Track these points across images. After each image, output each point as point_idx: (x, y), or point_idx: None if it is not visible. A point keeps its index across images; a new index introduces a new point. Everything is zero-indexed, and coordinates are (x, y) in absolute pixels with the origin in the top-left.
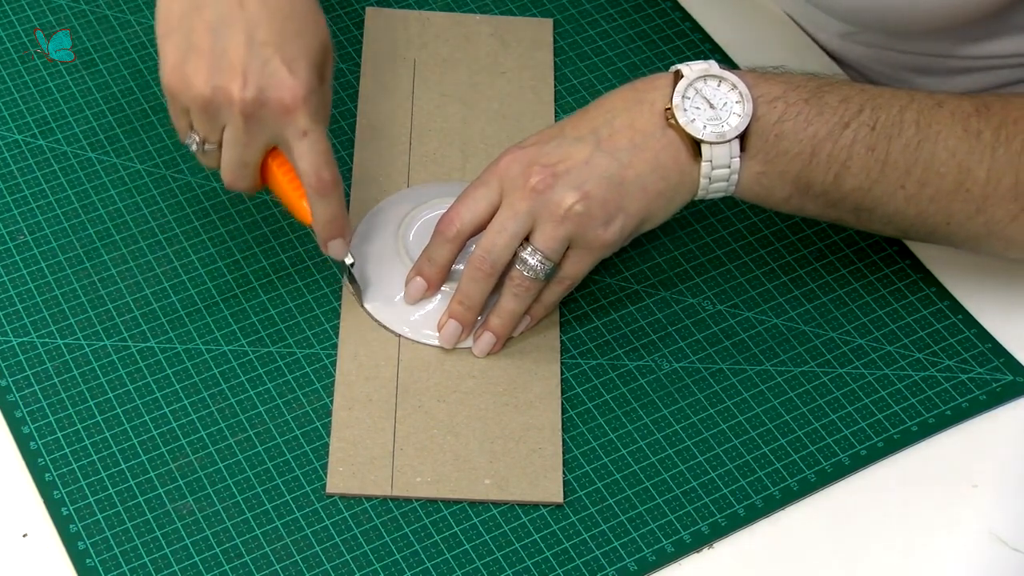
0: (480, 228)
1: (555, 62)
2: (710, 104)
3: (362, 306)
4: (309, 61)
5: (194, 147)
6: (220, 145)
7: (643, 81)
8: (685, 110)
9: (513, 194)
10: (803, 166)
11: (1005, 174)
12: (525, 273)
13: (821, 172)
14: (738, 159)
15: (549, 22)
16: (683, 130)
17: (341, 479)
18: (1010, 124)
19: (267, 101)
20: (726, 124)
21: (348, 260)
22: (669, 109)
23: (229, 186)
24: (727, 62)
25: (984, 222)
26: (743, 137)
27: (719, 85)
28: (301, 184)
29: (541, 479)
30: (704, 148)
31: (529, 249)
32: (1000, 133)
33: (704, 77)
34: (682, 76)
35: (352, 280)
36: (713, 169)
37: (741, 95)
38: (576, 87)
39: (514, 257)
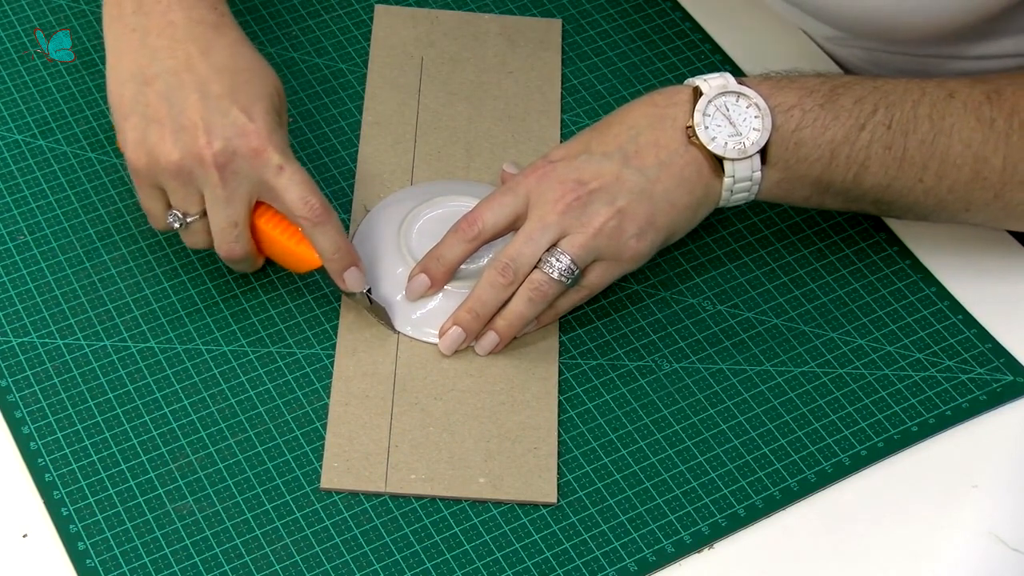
0: (499, 235)
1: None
2: (730, 120)
3: (393, 330)
4: (265, 105)
5: (177, 224)
6: (202, 215)
7: (662, 95)
8: (706, 127)
9: (543, 207)
10: (823, 169)
11: (1021, 160)
12: (552, 275)
13: (840, 173)
14: (759, 172)
15: (558, 22)
16: (705, 148)
17: (336, 475)
18: (1022, 110)
19: (236, 149)
20: (747, 140)
21: (365, 287)
22: (690, 127)
23: (227, 255)
24: (728, 62)
25: (1003, 206)
26: (763, 149)
27: (737, 100)
28: (295, 230)
29: (535, 479)
30: (726, 164)
31: (558, 253)
32: (1013, 120)
33: (722, 94)
34: (701, 93)
35: (374, 305)
36: (736, 183)
37: (759, 109)
38: (576, 87)
39: (537, 262)
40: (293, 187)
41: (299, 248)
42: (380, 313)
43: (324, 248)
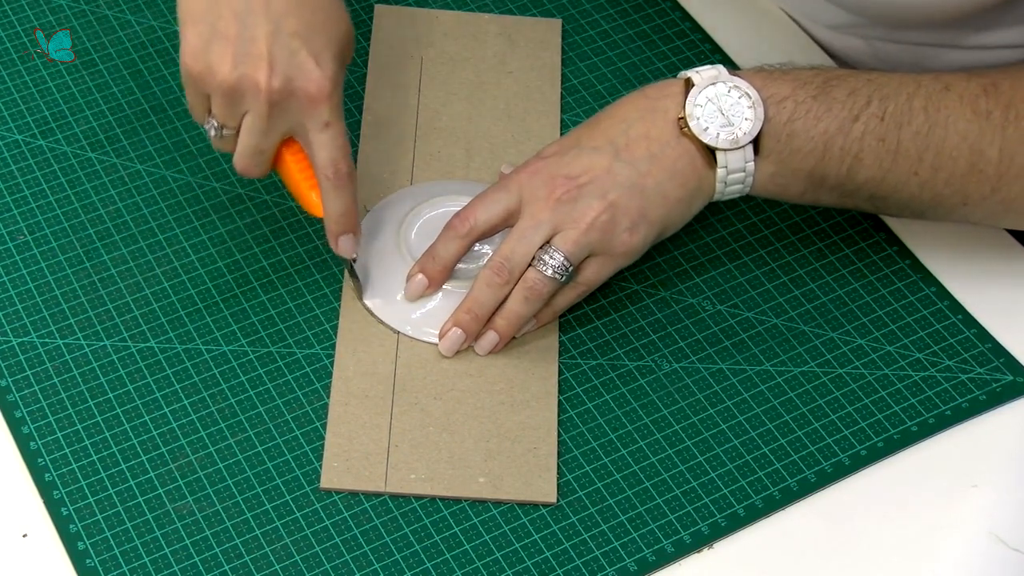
0: (492, 231)
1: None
2: (721, 111)
3: (361, 301)
4: (334, 53)
5: (212, 132)
6: (238, 131)
7: (654, 88)
8: (698, 119)
9: (535, 204)
10: (816, 162)
11: (1017, 152)
12: (546, 273)
13: (834, 166)
14: (752, 163)
15: (558, 22)
16: (697, 139)
17: (336, 474)
18: (1019, 102)
19: (294, 91)
20: (739, 130)
21: (353, 256)
22: (682, 118)
23: (241, 172)
24: (728, 62)
25: (1001, 200)
26: (756, 140)
27: (729, 91)
28: (313, 175)
29: (535, 478)
30: (719, 155)
31: (551, 251)
32: (1009, 112)
33: (714, 84)
34: (693, 84)
35: (353, 274)
36: (729, 174)
37: (752, 99)
38: (576, 87)
39: (531, 260)
40: (329, 147)
41: (310, 194)
42: (355, 284)
43: (331, 209)
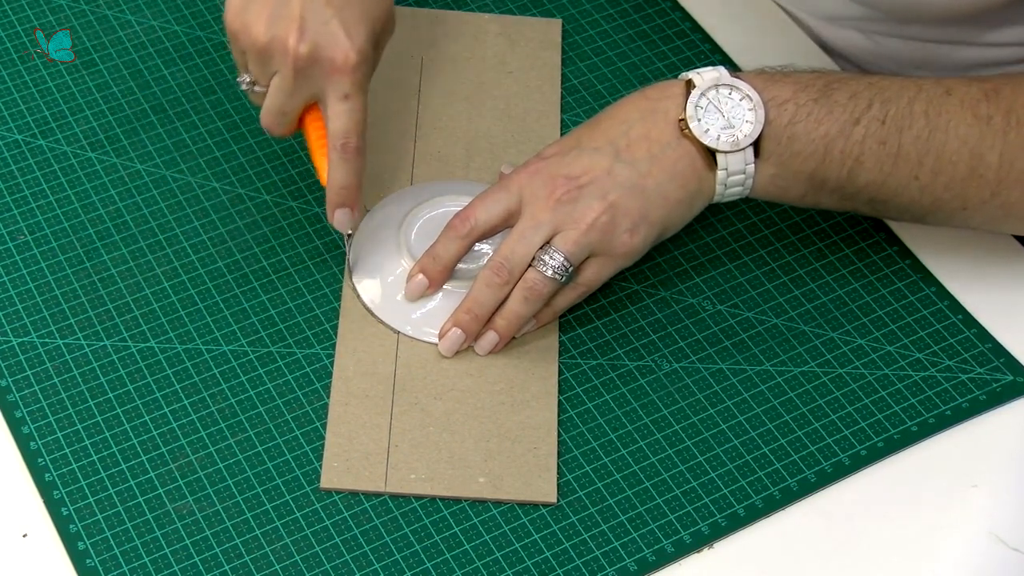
0: (492, 231)
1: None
2: (722, 113)
3: (351, 282)
4: (368, 27)
5: (244, 86)
6: (267, 88)
7: (655, 89)
8: (699, 120)
9: (535, 205)
10: (817, 164)
11: (1018, 157)
12: (546, 274)
13: (835, 169)
14: (752, 165)
15: (558, 22)
16: (698, 140)
17: (336, 474)
18: (1019, 108)
19: (319, 58)
20: (740, 132)
21: (348, 231)
22: (683, 119)
23: (265, 129)
24: (728, 63)
25: (1000, 205)
26: (757, 142)
27: (730, 93)
28: (327, 144)
29: (535, 478)
30: (719, 157)
31: (551, 251)
32: (1010, 117)
33: (716, 86)
34: (694, 85)
35: (347, 252)
36: (729, 176)
37: (753, 101)
38: (576, 87)
39: (531, 260)
40: (344, 119)
41: (321, 162)
42: (348, 264)
43: (334, 180)
